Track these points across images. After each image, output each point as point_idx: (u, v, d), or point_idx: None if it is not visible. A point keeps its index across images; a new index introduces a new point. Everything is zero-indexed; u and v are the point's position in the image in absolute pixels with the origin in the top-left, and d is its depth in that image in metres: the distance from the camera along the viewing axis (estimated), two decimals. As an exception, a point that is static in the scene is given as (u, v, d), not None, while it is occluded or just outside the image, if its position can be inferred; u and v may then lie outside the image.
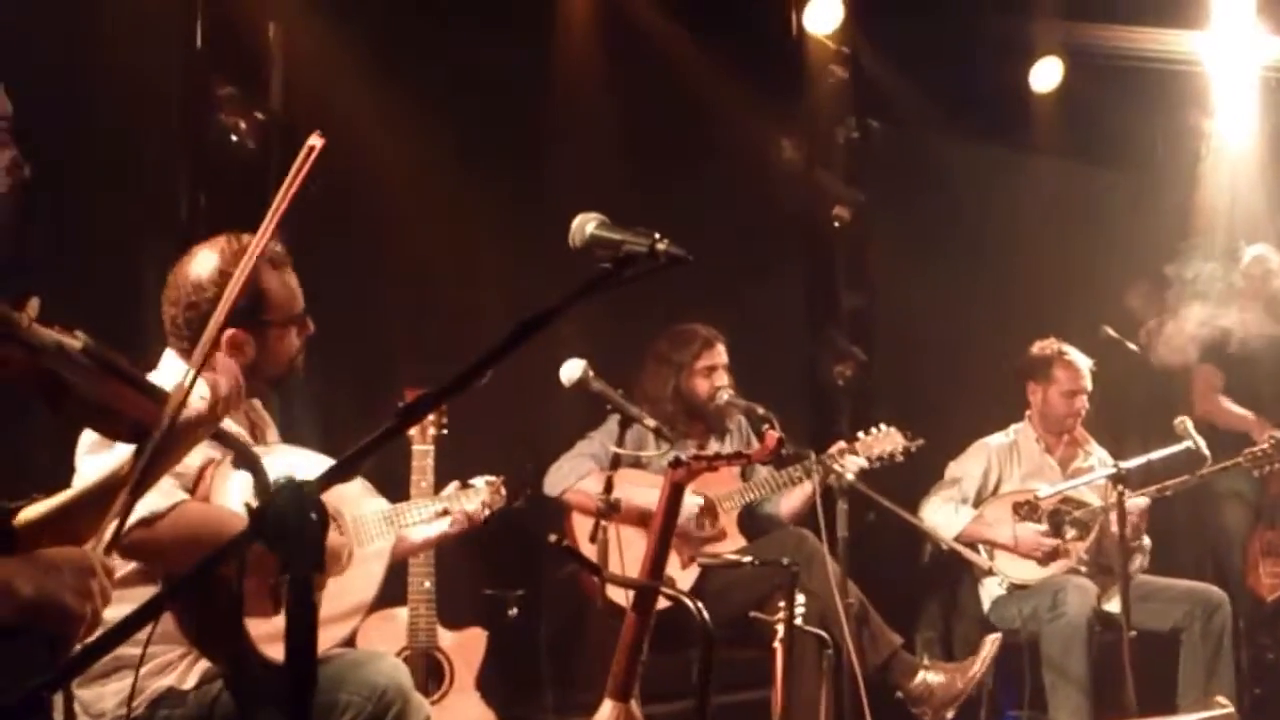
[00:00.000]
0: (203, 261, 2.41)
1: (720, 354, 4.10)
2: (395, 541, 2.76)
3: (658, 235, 1.56)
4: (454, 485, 3.09)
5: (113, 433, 1.73)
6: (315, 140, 1.68)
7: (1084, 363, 4.47)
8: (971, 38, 5.12)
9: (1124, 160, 5.46)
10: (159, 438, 1.63)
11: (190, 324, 2.40)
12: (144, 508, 2.21)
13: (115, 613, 1.58)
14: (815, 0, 4.86)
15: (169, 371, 2.40)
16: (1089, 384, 4.47)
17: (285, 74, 3.77)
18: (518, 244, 4.15)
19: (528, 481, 3.11)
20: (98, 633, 1.60)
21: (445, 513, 2.97)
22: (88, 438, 2.30)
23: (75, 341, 1.61)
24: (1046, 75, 5.28)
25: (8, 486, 1.79)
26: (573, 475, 3.91)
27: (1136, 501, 4.14)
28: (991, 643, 3.84)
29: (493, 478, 3.12)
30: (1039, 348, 4.53)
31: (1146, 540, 4.32)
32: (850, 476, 3.63)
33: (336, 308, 3.97)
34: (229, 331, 2.38)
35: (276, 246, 2.47)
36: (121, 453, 1.80)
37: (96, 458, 2.23)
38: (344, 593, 2.55)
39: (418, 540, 2.95)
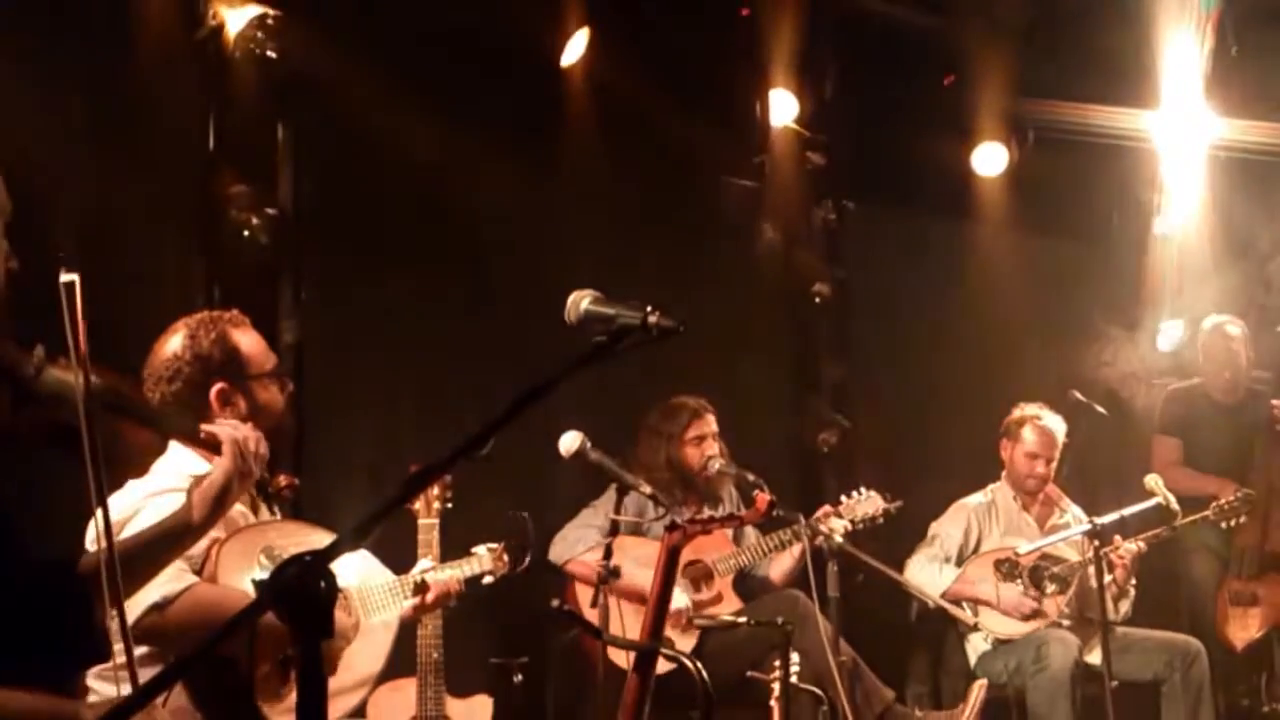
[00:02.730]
0: (171, 338, 2.55)
1: (709, 424, 4.21)
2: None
3: (650, 308, 1.66)
4: (425, 562, 3.14)
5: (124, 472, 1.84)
6: (66, 277, 1.78)
7: (1055, 430, 4.56)
8: (934, 119, 5.40)
9: (1083, 232, 5.71)
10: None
11: (179, 395, 2.50)
12: (157, 592, 2.26)
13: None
14: (774, 93, 5.10)
15: (176, 456, 2.50)
16: (1053, 451, 4.55)
17: (294, 171, 3.94)
18: (517, 320, 4.32)
19: (529, 542, 3.21)
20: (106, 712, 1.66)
21: (424, 586, 2.99)
22: (153, 481, 2.39)
23: (77, 379, 1.68)
24: (995, 158, 5.55)
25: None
26: (579, 545, 4.00)
27: (1129, 547, 4.26)
28: (978, 688, 3.93)
29: (494, 545, 3.20)
30: (1018, 410, 4.64)
31: (1132, 586, 4.43)
32: (839, 539, 3.76)
33: (355, 391, 4.16)
34: (217, 386, 2.50)
35: (231, 311, 2.63)
36: (179, 498, 1.87)
37: (160, 500, 2.31)
38: (352, 664, 2.61)
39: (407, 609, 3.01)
